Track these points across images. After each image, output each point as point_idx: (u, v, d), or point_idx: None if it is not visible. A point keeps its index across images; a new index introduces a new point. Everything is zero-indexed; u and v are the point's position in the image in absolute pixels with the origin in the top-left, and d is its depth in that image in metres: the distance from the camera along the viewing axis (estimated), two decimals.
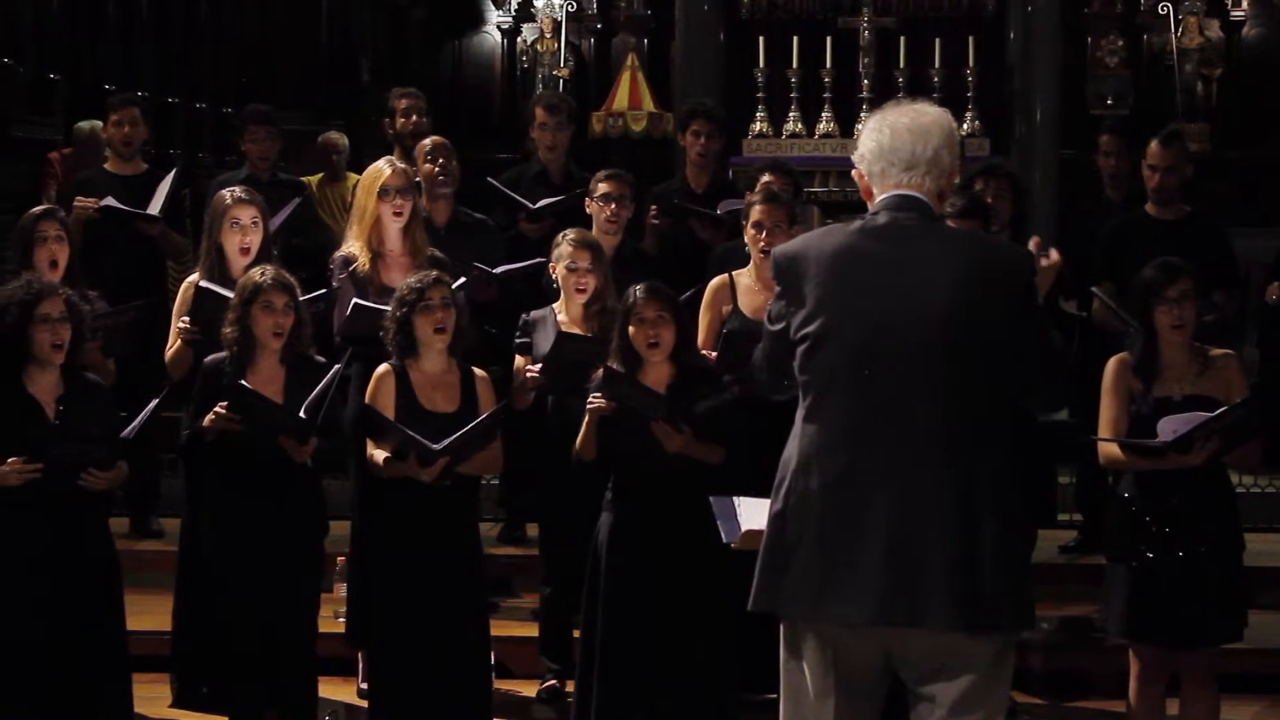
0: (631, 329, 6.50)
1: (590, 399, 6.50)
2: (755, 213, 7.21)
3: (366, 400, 6.61)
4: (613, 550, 6.54)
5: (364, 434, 6.63)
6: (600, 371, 6.54)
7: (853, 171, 4.48)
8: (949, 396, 4.22)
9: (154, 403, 6.45)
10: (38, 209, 7.55)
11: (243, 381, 6.49)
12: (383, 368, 6.64)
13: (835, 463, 4.25)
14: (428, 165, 8.09)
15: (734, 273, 7.35)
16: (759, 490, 4.91)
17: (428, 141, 8.27)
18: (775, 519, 4.33)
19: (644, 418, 6.43)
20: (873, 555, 4.19)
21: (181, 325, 7.13)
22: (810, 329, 4.29)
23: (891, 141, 4.34)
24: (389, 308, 6.77)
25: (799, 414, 4.35)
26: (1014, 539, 4.32)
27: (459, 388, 6.66)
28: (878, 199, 4.38)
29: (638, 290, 6.53)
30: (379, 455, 6.51)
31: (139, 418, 6.39)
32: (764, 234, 7.16)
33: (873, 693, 4.37)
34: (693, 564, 6.46)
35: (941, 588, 4.16)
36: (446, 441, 6.37)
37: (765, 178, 7.97)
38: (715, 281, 7.34)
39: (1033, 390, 4.40)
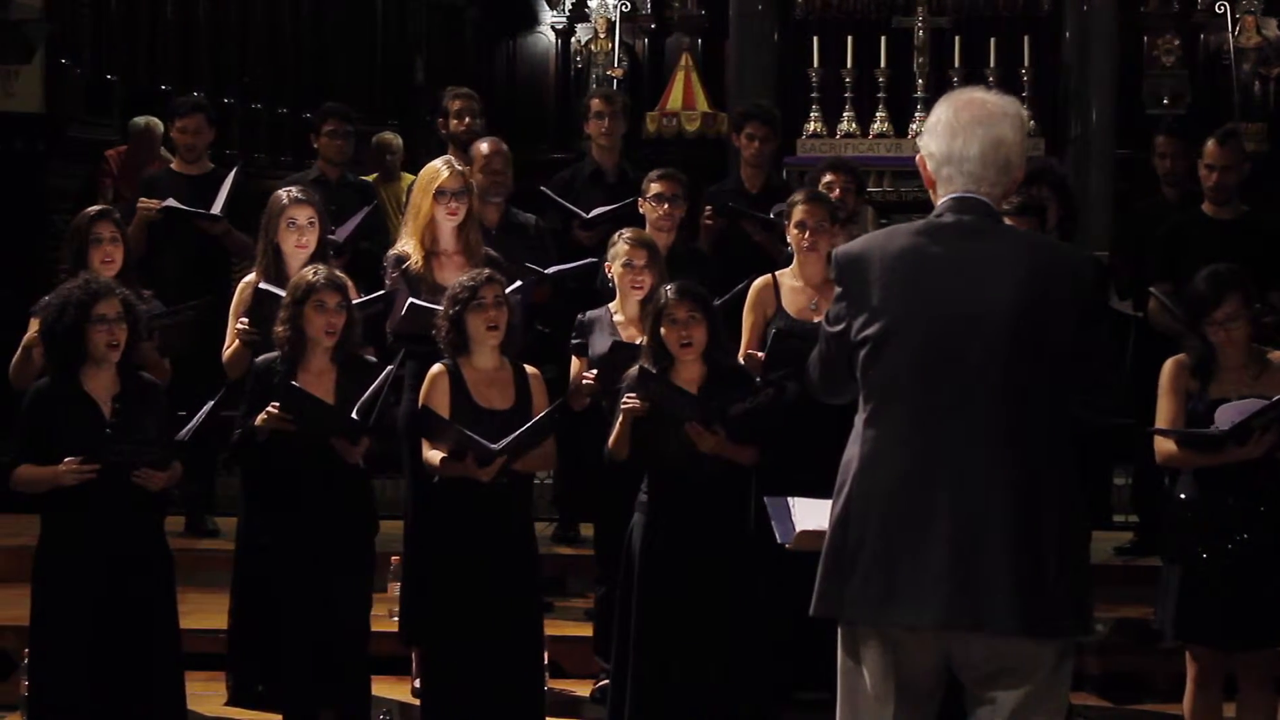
0: (663, 329, 6.51)
1: (624, 399, 6.51)
2: (798, 212, 7.21)
3: (421, 400, 6.62)
4: (646, 551, 6.56)
5: (420, 435, 6.65)
6: (633, 370, 6.57)
7: (916, 158, 4.44)
8: (1013, 398, 4.18)
9: (210, 404, 6.47)
10: (92, 210, 7.59)
11: (294, 382, 6.52)
12: (436, 368, 6.65)
13: (897, 465, 4.22)
14: (480, 175, 8.07)
15: (777, 273, 7.35)
16: (800, 490, 4.91)
17: (485, 146, 8.23)
18: (836, 523, 4.29)
19: (677, 419, 6.43)
20: (936, 558, 4.16)
21: (240, 327, 7.16)
22: (872, 330, 4.25)
23: (962, 150, 4.28)
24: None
25: (859, 416, 4.32)
26: (1077, 542, 4.30)
27: (512, 384, 6.67)
28: (941, 199, 4.34)
29: (668, 290, 6.54)
30: (434, 456, 6.53)
31: (194, 419, 6.41)
32: (807, 233, 7.17)
33: (931, 695, 4.35)
34: (726, 564, 6.50)
35: (1006, 591, 4.13)
36: (505, 441, 6.38)
37: (827, 177, 7.94)
38: (759, 282, 7.34)
39: (1091, 397, 4.36)
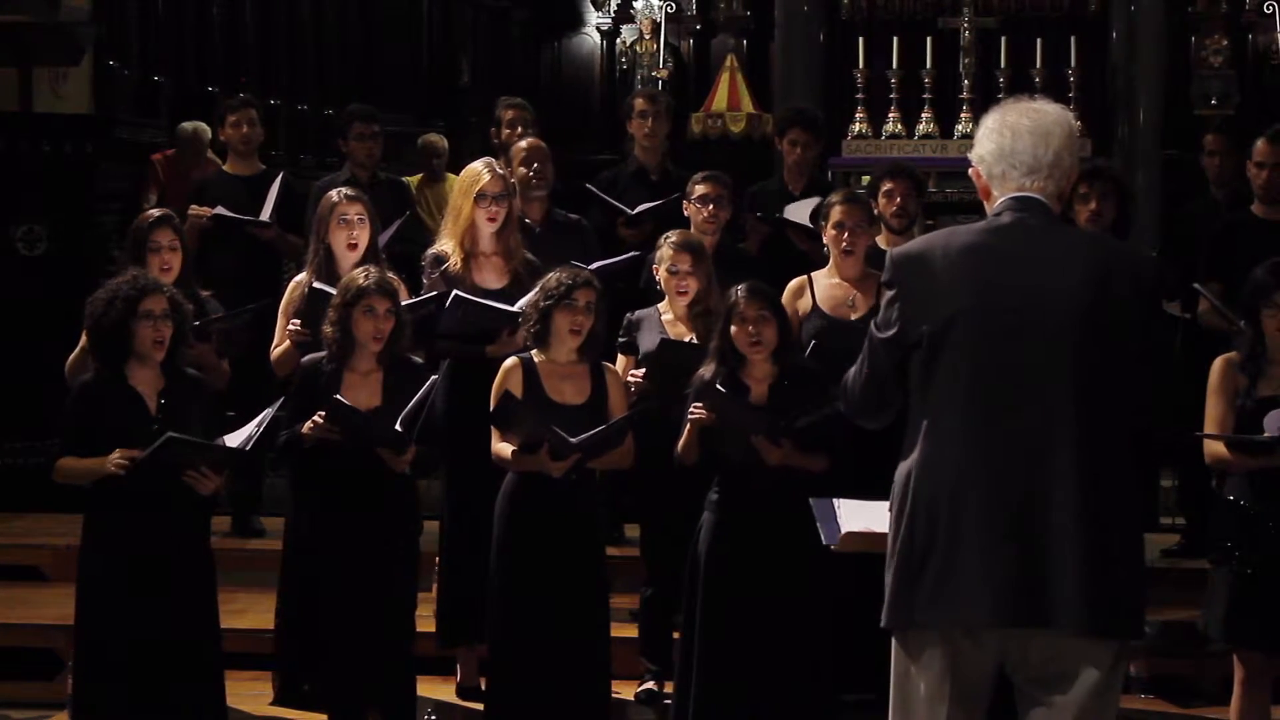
0: (734, 329, 6.50)
1: (691, 409, 6.50)
2: (835, 213, 7.21)
3: (494, 392, 6.63)
4: (713, 552, 6.53)
5: (495, 425, 6.62)
6: (703, 371, 6.55)
7: (970, 171, 4.41)
8: (1076, 396, 4.16)
9: (269, 413, 6.43)
10: (152, 214, 7.53)
11: (340, 382, 6.55)
12: (510, 360, 6.67)
13: (960, 465, 4.19)
14: (522, 170, 8.08)
15: (812, 274, 7.35)
16: (864, 491, 4.88)
17: (524, 144, 8.19)
18: (904, 532, 4.25)
19: (744, 432, 6.42)
20: (1002, 557, 4.14)
21: (292, 328, 7.18)
22: (931, 328, 4.23)
23: (1013, 144, 4.28)
24: (493, 304, 6.84)
25: (918, 418, 4.28)
26: (1138, 544, 4.29)
27: (588, 379, 6.68)
28: (997, 201, 4.33)
29: (739, 290, 6.53)
30: (505, 449, 6.54)
31: (252, 427, 6.37)
32: (845, 234, 7.16)
33: (984, 699, 4.32)
34: (793, 567, 6.43)
35: (1073, 590, 4.11)
36: (584, 437, 6.39)
37: (887, 184, 7.82)
38: (793, 283, 7.33)
39: (1149, 404, 4.33)
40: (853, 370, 4.48)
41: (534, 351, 6.67)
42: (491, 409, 6.61)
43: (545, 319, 6.62)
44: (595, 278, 6.77)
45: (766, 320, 6.49)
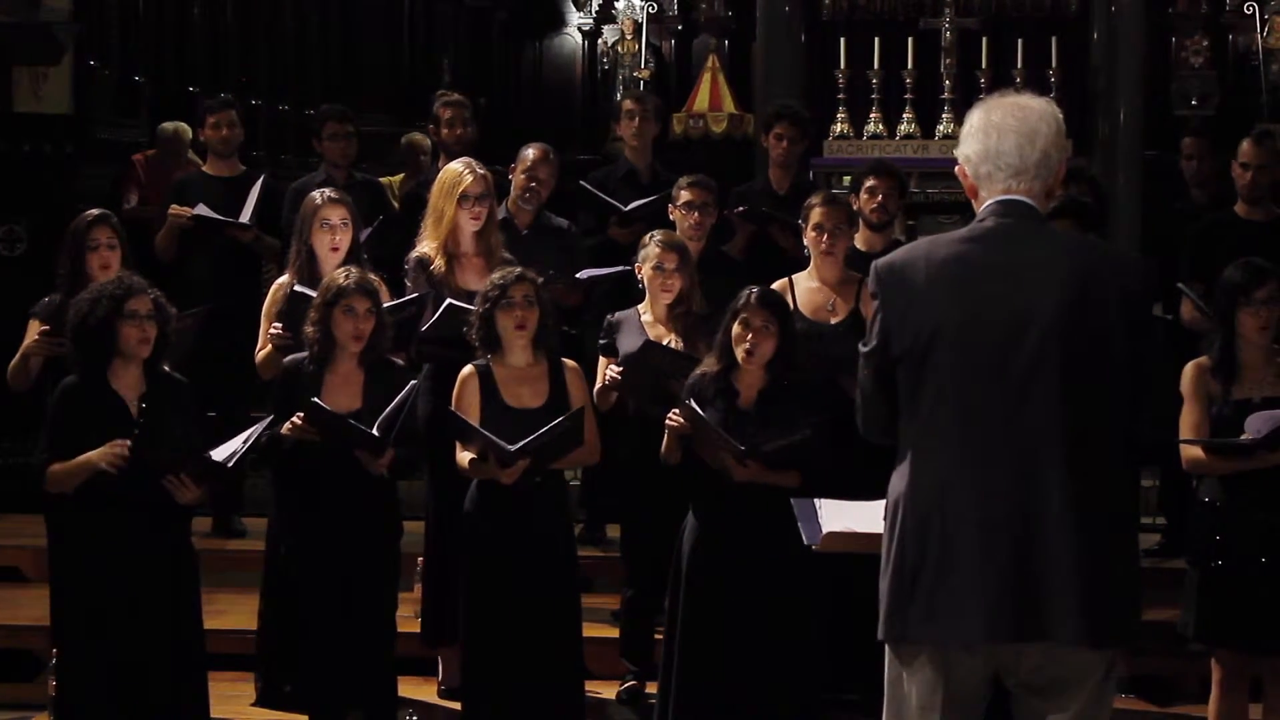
0: (735, 329, 6.46)
1: (669, 417, 6.49)
2: (816, 214, 7.23)
3: (452, 403, 6.63)
4: (697, 552, 6.53)
5: (448, 437, 6.64)
6: (697, 373, 6.54)
7: (956, 169, 4.37)
8: (1065, 402, 4.11)
9: (258, 430, 6.41)
10: (90, 214, 7.51)
11: (320, 385, 6.55)
12: (466, 370, 6.66)
13: (950, 481, 4.15)
14: (523, 178, 8.05)
15: (793, 276, 7.35)
16: (858, 493, 4.86)
17: (531, 153, 8.13)
18: (896, 542, 4.21)
19: (713, 449, 6.40)
20: (996, 570, 4.09)
21: (274, 331, 7.17)
22: (916, 340, 4.18)
23: (998, 145, 4.24)
24: (474, 308, 6.83)
25: (907, 431, 4.24)
26: (1132, 551, 4.29)
27: (547, 380, 6.67)
28: (984, 204, 4.28)
29: (753, 292, 6.48)
30: (464, 458, 6.54)
31: (237, 441, 6.33)
32: (825, 236, 7.17)
33: (978, 706, 4.29)
34: (776, 569, 6.42)
35: (1071, 601, 4.07)
36: (523, 443, 6.37)
37: (869, 181, 7.84)
38: (775, 286, 7.31)
39: (1135, 410, 4.30)
40: (858, 399, 4.42)
41: (490, 358, 6.66)
42: (440, 422, 6.61)
43: (488, 324, 6.62)
44: (529, 270, 6.75)
45: (768, 334, 6.43)
